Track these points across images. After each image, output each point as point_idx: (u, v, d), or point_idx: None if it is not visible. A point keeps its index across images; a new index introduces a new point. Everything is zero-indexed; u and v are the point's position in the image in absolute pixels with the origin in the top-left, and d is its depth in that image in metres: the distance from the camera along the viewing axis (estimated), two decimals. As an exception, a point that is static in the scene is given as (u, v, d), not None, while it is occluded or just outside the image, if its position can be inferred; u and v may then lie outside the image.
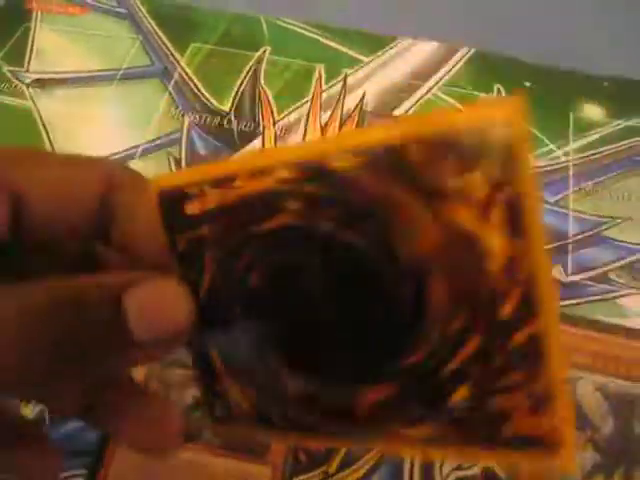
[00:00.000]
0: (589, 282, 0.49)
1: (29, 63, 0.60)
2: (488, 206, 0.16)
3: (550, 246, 0.50)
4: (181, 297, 0.21)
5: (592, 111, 0.58)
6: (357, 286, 0.19)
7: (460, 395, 0.18)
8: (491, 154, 0.15)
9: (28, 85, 0.59)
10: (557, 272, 0.49)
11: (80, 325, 0.19)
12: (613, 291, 0.49)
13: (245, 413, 0.22)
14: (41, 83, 0.59)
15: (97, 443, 0.43)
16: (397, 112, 0.57)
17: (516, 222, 0.16)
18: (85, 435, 0.44)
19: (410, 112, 0.57)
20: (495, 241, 0.16)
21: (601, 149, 0.56)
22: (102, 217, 0.22)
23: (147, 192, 0.21)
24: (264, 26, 0.62)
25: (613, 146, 0.56)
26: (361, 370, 0.20)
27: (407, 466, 0.43)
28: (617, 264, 0.50)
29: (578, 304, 0.48)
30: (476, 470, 0.42)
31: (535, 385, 0.17)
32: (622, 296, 0.49)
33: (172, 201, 0.21)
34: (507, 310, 0.16)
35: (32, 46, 0.61)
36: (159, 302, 0.20)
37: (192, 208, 0.20)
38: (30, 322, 0.18)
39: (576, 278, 0.49)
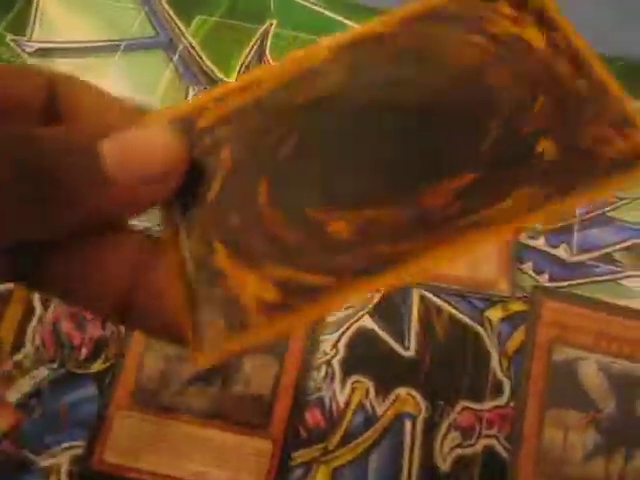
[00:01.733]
0: (594, 262, 0.49)
1: (32, 32, 0.59)
2: (521, 16, 0.22)
3: (557, 225, 0.50)
4: (167, 135, 0.20)
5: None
6: (418, 95, 0.21)
7: (545, 148, 0.21)
8: None
9: (31, 54, 0.58)
10: (562, 252, 0.49)
11: (49, 159, 0.18)
12: (617, 272, 0.49)
13: (265, 305, 0.20)
14: (44, 52, 0.58)
15: (96, 415, 0.43)
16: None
17: (545, 19, 0.22)
18: (84, 407, 0.44)
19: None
20: (533, 32, 0.22)
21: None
22: (49, 114, 0.22)
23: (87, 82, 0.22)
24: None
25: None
26: (441, 167, 0.21)
27: (407, 443, 0.43)
28: (622, 245, 0.50)
29: (582, 284, 0.48)
30: (478, 447, 0.42)
31: (612, 113, 0.21)
32: (626, 277, 0.48)
33: (183, 125, 0.22)
34: (562, 68, 0.21)
35: (35, 15, 0.60)
36: (140, 140, 0.19)
37: (206, 119, 0.22)
38: None
39: (581, 258, 0.49)
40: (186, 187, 0.21)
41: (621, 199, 0.51)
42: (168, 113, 0.22)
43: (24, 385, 0.44)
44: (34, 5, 0.61)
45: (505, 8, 0.22)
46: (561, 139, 0.21)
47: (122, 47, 0.58)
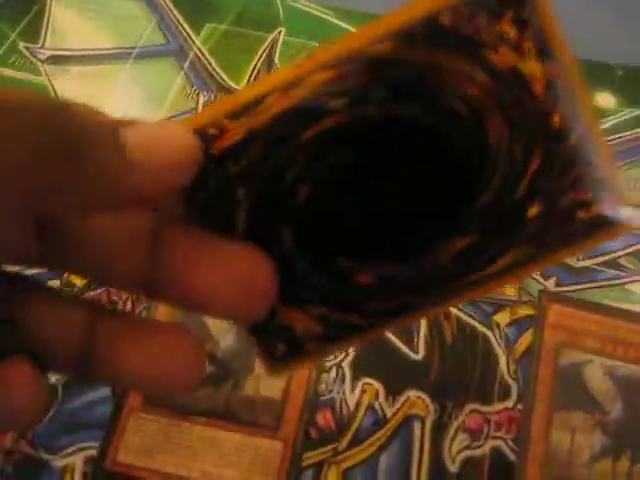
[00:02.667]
0: (599, 267, 0.50)
1: (45, 40, 0.60)
2: (521, 42, 0.19)
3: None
4: (184, 130, 0.20)
5: (605, 99, 0.58)
6: (419, 153, 0.20)
7: (534, 211, 0.20)
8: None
9: (43, 61, 0.59)
10: (568, 257, 0.50)
11: (71, 134, 0.18)
12: (623, 277, 0.49)
13: (315, 336, 0.22)
14: (56, 60, 0.59)
15: (109, 416, 0.44)
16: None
17: (546, 48, 0.19)
18: (98, 408, 0.44)
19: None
20: (533, 67, 0.19)
21: (613, 137, 0.56)
22: None
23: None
24: (279, 7, 0.62)
25: (625, 134, 0.56)
26: (440, 230, 0.21)
27: (416, 445, 0.43)
28: (627, 250, 0.50)
29: (588, 289, 0.48)
30: (486, 449, 0.43)
31: (594, 175, 0.20)
32: (631, 282, 0.49)
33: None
34: (556, 121, 0.20)
35: (48, 23, 0.61)
36: (160, 131, 0.19)
37: (213, 149, 0.20)
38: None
39: (587, 263, 0.50)
40: (209, 222, 0.21)
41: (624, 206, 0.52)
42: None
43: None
44: (46, 13, 0.61)
45: (507, 27, 0.19)
46: (545, 201, 0.20)
47: (134, 55, 0.59)
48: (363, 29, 0.19)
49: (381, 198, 0.21)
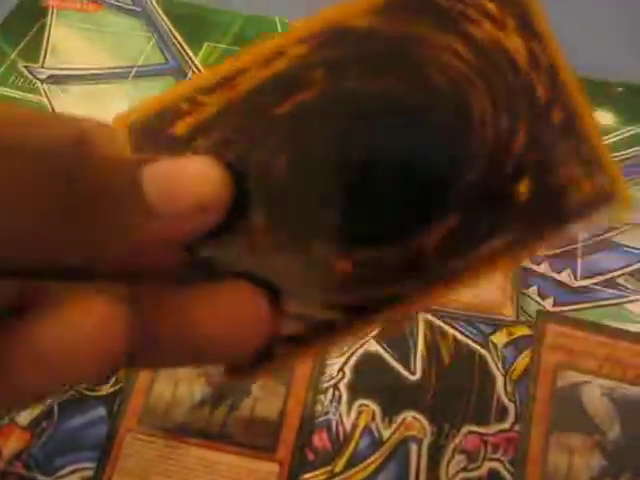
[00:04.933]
0: (598, 287, 0.49)
1: (44, 59, 0.60)
2: (503, 18, 0.20)
3: (559, 251, 0.50)
4: (210, 166, 0.19)
5: (605, 117, 0.58)
6: (401, 128, 0.20)
7: (522, 188, 0.20)
8: None
9: (43, 81, 0.59)
10: (566, 277, 0.49)
11: (87, 181, 0.16)
12: (621, 296, 0.49)
13: (288, 338, 0.20)
14: (56, 79, 0.59)
15: (105, 437, 0.44)
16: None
17: (529, 26, 0.20)
18: (93, 429, 0.44)
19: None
20: (516, 41, 0.20)
21: (613, 155, 0.56)
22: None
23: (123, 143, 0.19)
24: (278, 27, 0.62)
25: (625, 152, 0.56)
26: (423, 211, 0.20)
27: (413, 467, 0.43)
28: (626, 270, 0.50)
29: (586, 309, 0.48)
30: (483, 470, 0.43)
31: (582, 150, 0.20)
32: (630, 302, 0.49)
33: (152, 131, 0.20)
34: (540, 93, 0.20)
35: (48, 43, 0.61)
36: (183, 169, 0.18)
37: (183, 126, 0.19)
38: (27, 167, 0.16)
39: (585, 283, 0.49)
40: None
41: (624, 224, 0.52)
42: (133, 115, 0.19)
43: (35, 407, 0.44)
44: (46, 32, 0.62)
45: (487, 2, 0.20)
46: (534, 178, 0.20)
47: (132, 74, 0.59)
48: (341, 4, 0.19)
49: (361, 178, 0.20)
